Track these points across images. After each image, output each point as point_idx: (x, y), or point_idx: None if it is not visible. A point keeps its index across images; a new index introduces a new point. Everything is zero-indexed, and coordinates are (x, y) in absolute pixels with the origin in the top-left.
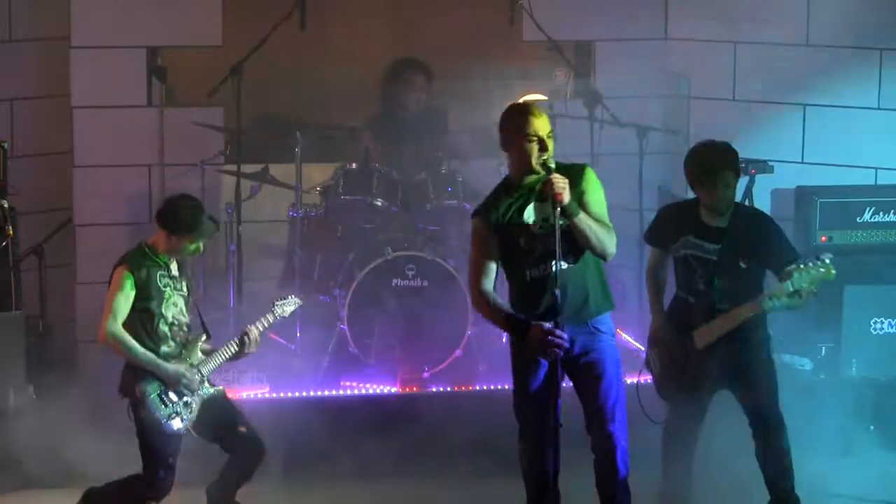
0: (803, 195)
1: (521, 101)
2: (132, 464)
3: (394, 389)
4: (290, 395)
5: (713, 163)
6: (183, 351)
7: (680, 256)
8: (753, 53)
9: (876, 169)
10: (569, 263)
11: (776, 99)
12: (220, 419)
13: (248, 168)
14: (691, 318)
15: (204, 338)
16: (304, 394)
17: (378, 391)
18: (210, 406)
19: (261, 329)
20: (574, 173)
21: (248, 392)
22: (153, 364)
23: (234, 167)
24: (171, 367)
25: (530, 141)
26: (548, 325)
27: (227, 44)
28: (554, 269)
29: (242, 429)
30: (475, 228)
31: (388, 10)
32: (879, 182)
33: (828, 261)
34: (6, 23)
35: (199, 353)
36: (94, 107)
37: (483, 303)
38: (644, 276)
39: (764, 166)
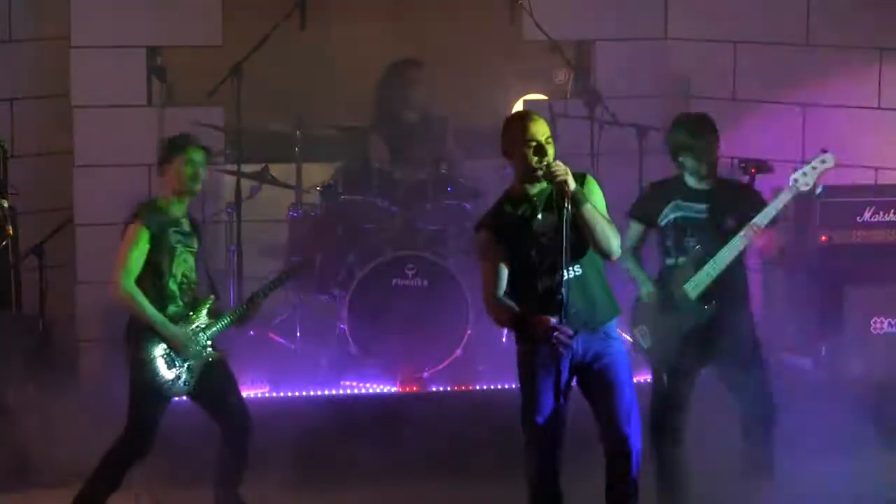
0: (803, 195)
1: (519, 108)
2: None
3: (394, 389)
4: (290, 394)
5: (703, 129)
6: (191, 313)
7: (669, 222)
8: (753, 53)
9: (876, 168)
10: (576, 271)
11: (776, 99)
12: (214, 385)
13: (248, 168)
14: (682, 278)
15: (212, 298)
16: (304, 394)
17: (378, 391)
18: (209, 370)
19: (267, 291)
20: (574, 179)
21: (248, 392)
22: (162, 325)
23: (234, 167)
24: (179, 330)
25: (528, 147)
26: (554, 319)
27: (227, 44)
28: (563, 273)
29: (233, 399)
30: (482, 241)
31: (389, 10)
32: (879, 182)
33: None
34: (6, 23)
35: (206, 315)
36: (94, 106)
37: (493, 311)
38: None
39: (764, 166)
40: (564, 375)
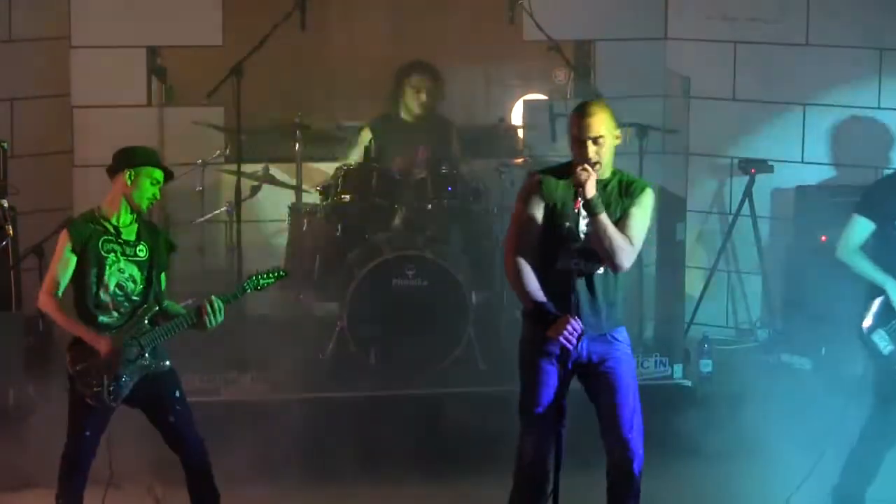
0: (803, 195)
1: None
2: (131, 462)
3: (394, 389)
4: (290, 394)
5: None
6: (127, 322)
7: None
8: (753, 53)
9: (876, 168)
10: (596, 270)
11: (776, 99)
12: (153, 402)
13: (248, 168)
14: None
15: (156, 308)
16: (304, 394)
17: (378, 391)
18: (150, 382)
19: (226, 300)
20: (635, 188)
21: (248, 392)
22: (82, 330)
23: (234, 167)
24: (102, 339)
25: (577, 144)
26: (574, 321)
27: (227, 44)
28: (586, 269)
29: (172, 418)
30: (528, 184)
31: (389, 9)
32: None
33: None
34: (6, 23)
35: (146, 324)
36: (94, 106)
37: (514, 273)
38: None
39: (764, 166)
40: (567, 368)
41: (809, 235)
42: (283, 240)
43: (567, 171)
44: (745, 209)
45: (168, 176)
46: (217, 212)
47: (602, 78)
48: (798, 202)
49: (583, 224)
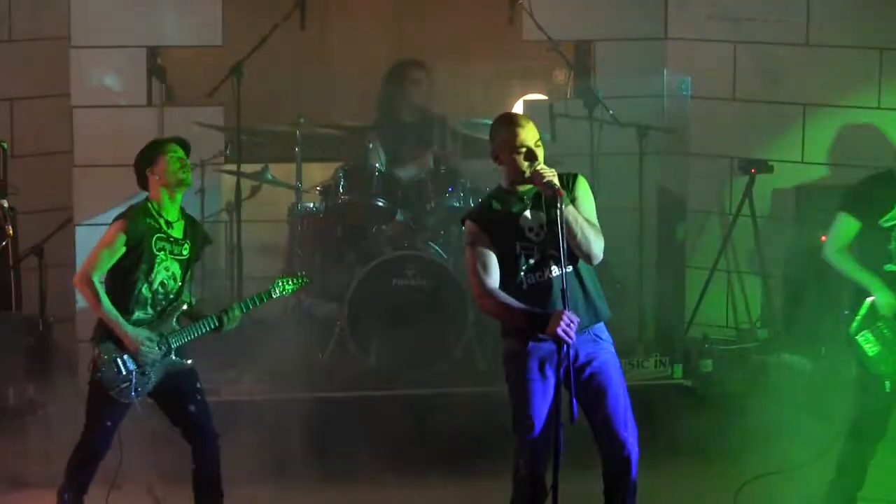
0: (803, 195)
1: (517, 109)
2: (131, 462)
3: (394, 389)
4: (290, 394)
5: None
6: (159, 318)
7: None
8: (753, 53)
9: (876, 169)
10: (567, 268)
11: (776, 99)
12: (174, 394)
13: (248, 168)
14: None
15: (184, 306)
16: (304, 394)
17: (379, 391)
18: (172, 378)
19: (248, 307)
20: (567, 180)
21: (248, 392)
22: (115, 320)
23: (234, 167)
24: (133, 331)
25: (518, 153)
26: (568, 311)
27: (227, 44)
28: (556, 271)
29: (192, 408)
30: (468, 232)
31: (389, 10)
32: None
33: None
34: (6, 23)
35: (175, 322)
36: (94, 106)
37: (492, 301)
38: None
39: (764, 166)
40: (561, 374)
41: (809, 235)
42: (283, 240)
43: (496, 196)
44: (745, 209)
45: (184, 145)
46: None
47: (602, 78)
48: (798, 202)
49: (531, 235)
